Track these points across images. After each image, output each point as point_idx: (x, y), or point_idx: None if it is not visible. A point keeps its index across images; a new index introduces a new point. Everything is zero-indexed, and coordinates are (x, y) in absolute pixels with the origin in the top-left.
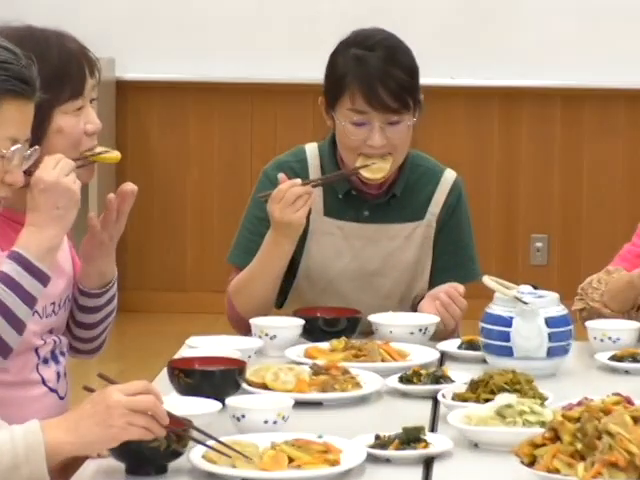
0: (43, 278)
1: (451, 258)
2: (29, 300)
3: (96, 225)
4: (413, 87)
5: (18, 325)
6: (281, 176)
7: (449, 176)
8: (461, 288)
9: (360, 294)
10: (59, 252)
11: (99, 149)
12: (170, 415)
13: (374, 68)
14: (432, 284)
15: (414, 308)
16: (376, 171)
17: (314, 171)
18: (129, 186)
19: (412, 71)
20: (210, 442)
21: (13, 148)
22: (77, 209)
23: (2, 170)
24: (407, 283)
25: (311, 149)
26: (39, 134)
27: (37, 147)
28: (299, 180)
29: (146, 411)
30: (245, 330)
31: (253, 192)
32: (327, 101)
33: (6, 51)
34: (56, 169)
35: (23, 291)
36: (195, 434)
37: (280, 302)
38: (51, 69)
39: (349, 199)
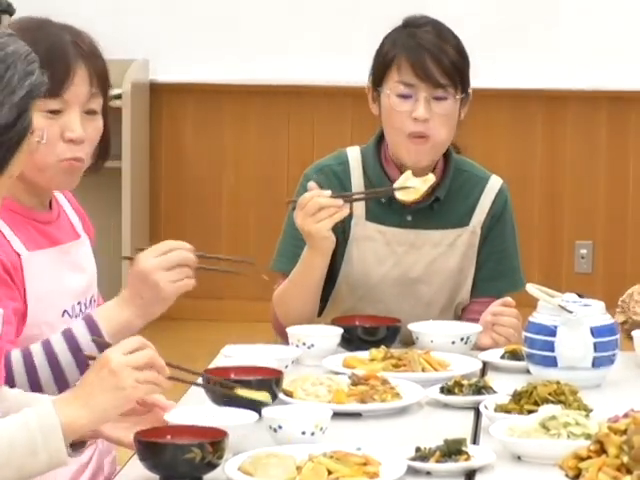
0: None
1: (494, 267)
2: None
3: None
4: (462, 66)
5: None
6: (310, 184)
7: (495, 183)
8: (508, 300)
9: (401, 301)
10: (80, 249)
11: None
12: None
13: (424, 40)
14: (474, 293)
15: (456, 316)
16: (411, 193)
17: (356, 175)
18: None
19: (462, 53)
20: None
21: (44, 135)
22: (163, 306)
23: None
24: (450, 291)
25: (353, 153)
26: None
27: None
28: (328, 192)
29: (148, 365)
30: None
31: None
32: (374, 83)
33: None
34: (155, 260)
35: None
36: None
37: (319, 309)
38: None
39: (392, 204)
